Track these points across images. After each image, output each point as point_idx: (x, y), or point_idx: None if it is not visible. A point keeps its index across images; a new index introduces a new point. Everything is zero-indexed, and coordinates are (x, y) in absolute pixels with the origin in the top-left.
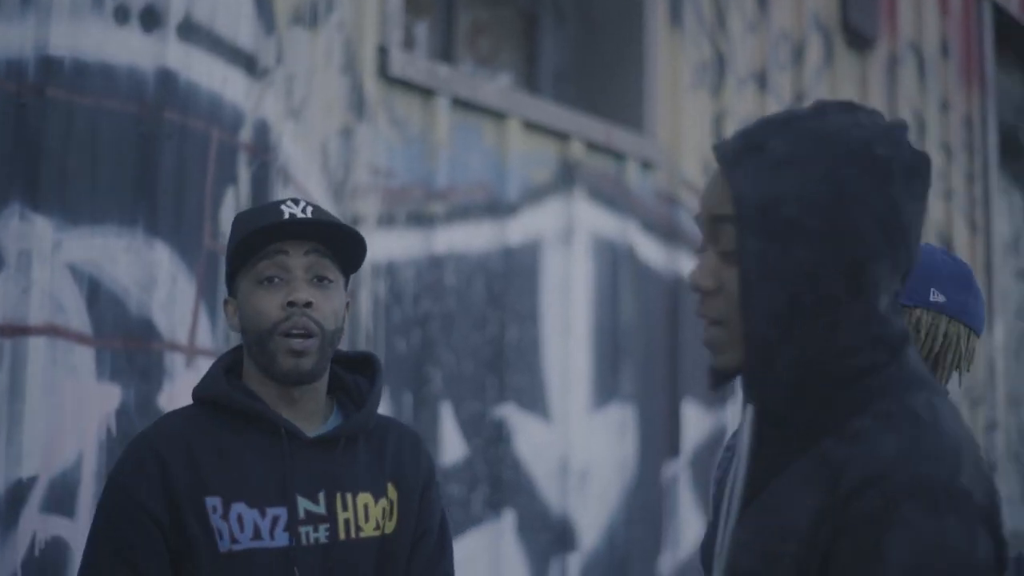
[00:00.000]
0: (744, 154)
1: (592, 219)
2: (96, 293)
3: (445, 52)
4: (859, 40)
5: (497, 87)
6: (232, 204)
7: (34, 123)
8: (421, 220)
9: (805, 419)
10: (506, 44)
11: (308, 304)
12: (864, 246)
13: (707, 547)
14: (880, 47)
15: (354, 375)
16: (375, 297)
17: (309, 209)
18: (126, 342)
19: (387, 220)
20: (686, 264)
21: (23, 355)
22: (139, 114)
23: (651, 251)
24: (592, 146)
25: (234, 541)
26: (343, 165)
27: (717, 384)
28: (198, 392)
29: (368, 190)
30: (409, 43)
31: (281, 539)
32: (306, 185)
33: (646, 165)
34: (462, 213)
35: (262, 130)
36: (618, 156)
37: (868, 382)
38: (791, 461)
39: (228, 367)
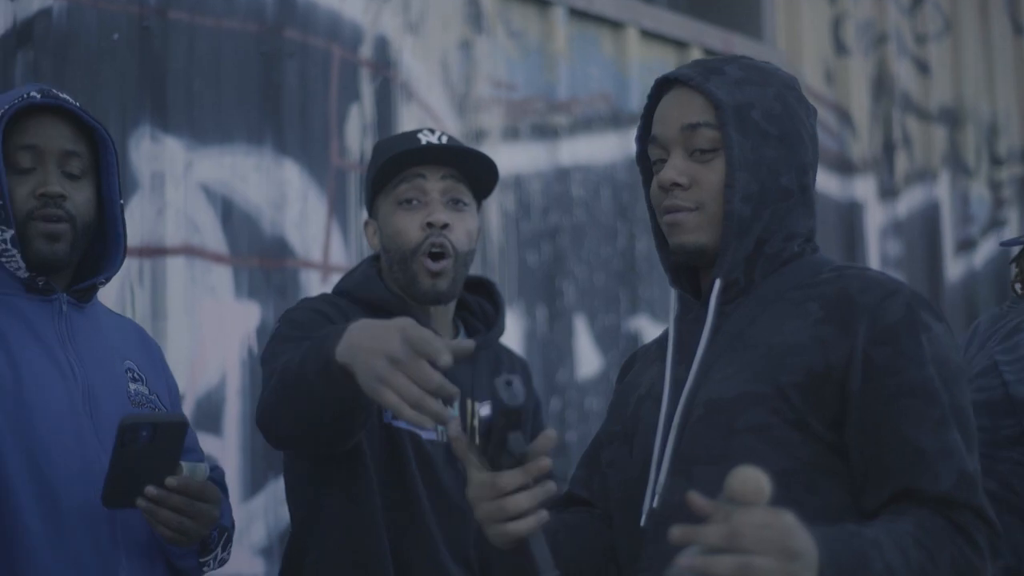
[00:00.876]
0: (709, 75)
1: None
2: (230, 212)
3: None
4: None
5: None
6: (357, 121)
7: (158, 46)
8: (545, 132)
9: (765, 285)
10: None
11: (445, 225)
12: (806, 154)
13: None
14: None
15: (476, 297)
16: (503, 210)
17: (445, 137)
18: (262, 260)
19: (511, 133)
20: None
21: (162, 275)
22: (260, 33)
23: None
24: (711, 54)
25: (395, 417)
26: (464, 79)
27: (680, 260)
28: (353, 289)
29: (490, 103)
30: None
31: (428, 432)
32: (428, 100)
33: None
34: (585, 124)
35: (382, 46)
36: None
37: (802, 262)
38: (759, 315)
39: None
